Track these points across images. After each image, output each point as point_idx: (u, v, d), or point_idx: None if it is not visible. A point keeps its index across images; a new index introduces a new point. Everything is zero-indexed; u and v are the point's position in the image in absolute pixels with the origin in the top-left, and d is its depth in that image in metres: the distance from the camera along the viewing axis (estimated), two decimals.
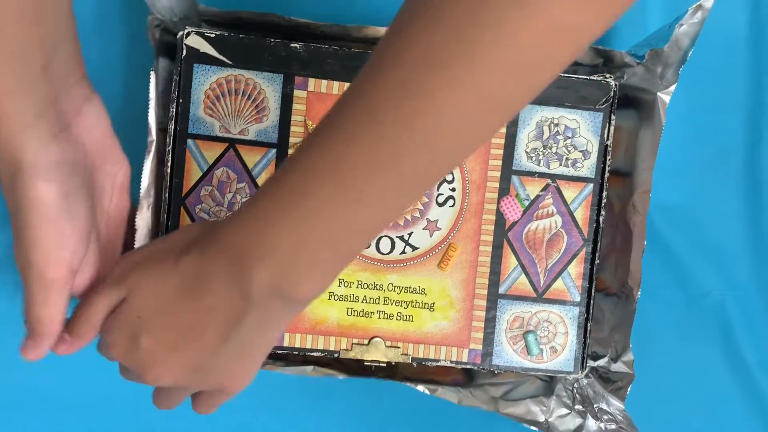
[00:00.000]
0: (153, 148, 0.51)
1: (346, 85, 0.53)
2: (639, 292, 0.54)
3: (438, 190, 0.55)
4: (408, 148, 0.35)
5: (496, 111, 0.35)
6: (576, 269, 0.56)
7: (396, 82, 0.34)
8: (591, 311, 0.56)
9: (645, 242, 0.54)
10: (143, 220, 0.52)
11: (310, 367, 0.54)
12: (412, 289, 0.55)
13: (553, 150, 0.55)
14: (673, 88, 0.53)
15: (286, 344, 0.54)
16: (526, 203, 0.55)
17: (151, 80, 0.51)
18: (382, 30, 0.53)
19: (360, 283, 0.55)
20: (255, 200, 0.38)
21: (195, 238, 0.41)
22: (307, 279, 0.38)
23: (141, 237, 0.52)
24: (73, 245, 0.42)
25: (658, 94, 0.54)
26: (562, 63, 0.35)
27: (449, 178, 0.55)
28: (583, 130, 0.55)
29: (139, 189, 0.51)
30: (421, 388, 0.55)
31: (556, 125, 0.55)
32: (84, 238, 0.43)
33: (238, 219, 0.39)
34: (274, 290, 0.38)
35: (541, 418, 0.56)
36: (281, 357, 0.56)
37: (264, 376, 0.57)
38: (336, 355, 0.54)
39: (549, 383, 0.58)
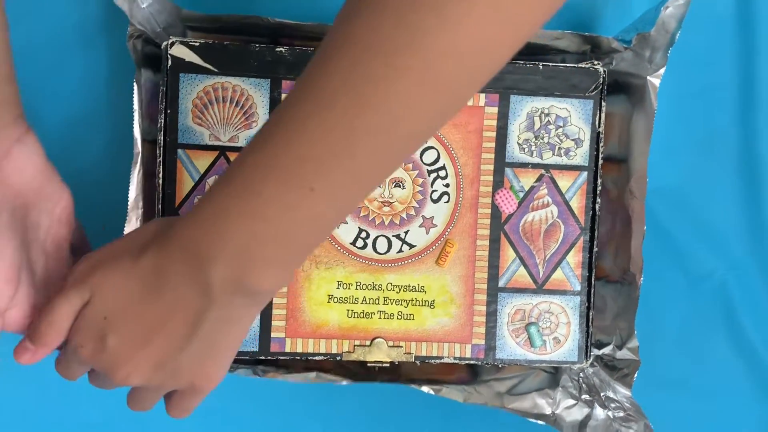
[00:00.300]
0: (139, 160, 0.51)
1: None
2: (642, 278, 0.54)
3: (432, 187, 0.54)
4: (361, 136, 0.35)
5: (446, 97, 0.35)
6: (575, 258, 0.56)
7: (345, 70, 0.34)
8: (592, 300, 0.56)
9: (645, 227, 0.54)
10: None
11: (312, 374, 0.54)
12: (411, 288, 0.55)
13: (545, 140, 0.55)
14: (662, 71, 0.53)
15: (287, 350, 0.54)
16: (521, 195, 0.55)
17: (134, 92, 0.51)
18: None
19: (359, 284, 0.54)
20: (209, 195, 0.38)
21: (153, 235, 0.41)
22: (264, 273, 0.38)
23: None
24: None
25: (648, 78, 0.53)
26: (509, 47, 0.35)
27: (443, 174, 0.54)
28: (574, 118, 0.55)
29: (127, 201, 0.51)
30: (425, 389, 0.54)
31: (547, 115, 0.55)
32: (11, 278, 0.43)
33: (193, 215, 0.38)
34: (234, 286, 0.38)
35: (548, 411, 0.56)
36: (283, 365, 0.55)
37: (267, 384, 0.57)
38: (338, 358, 0.54)
39: (554, 375, 0.57)
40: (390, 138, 0.35)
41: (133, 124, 0.51)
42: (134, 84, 0.51)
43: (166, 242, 0.39)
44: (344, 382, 0.54)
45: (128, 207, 0.51)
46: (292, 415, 0.59)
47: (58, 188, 0.47)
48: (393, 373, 0.56)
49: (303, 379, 0.54)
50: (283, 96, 0.53)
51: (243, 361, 0.54)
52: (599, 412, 0.56)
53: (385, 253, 0.55)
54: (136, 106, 0.51)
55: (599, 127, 0.55)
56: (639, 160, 0.54)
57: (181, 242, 0.39)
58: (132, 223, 0.52)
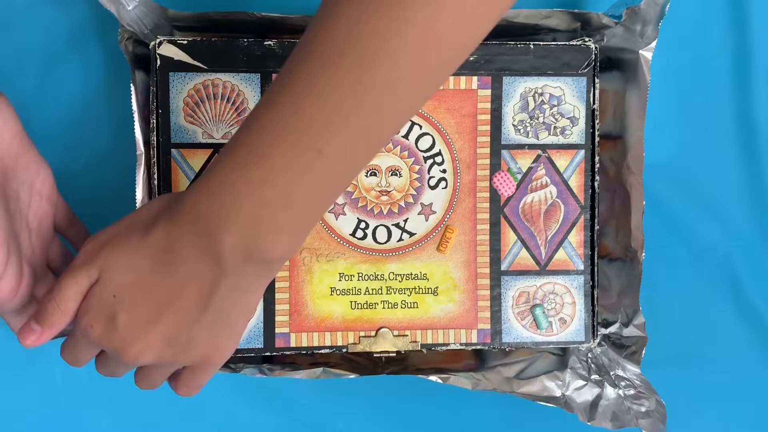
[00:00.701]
0: (143, 161, 0.51)
1: None
2: (644, 254, 0.53)
3: (429, 173, 0.54)
4: (368, 92, 0.34)
5: (451, 49, 0.35)
6: (576, 238, 0.55)
7: (350, 26, 0.34)
8: (596, 278, 0.55)
9: (644, 202, 0.53)
10: None
11: (319, 369, 0.54)
12: (413, 276, 0.54)
13: (540, 120, 0.54)
14: (654, 44, 0.53)
15: (293, 344, 0.54)
16: (519, 177, 0.55)
17: (131, 93, 0.51)
18: None
19: (360, 275, 0.54)
20: (216, 165, 0.38)
21: (160, 210, 0.40)
22: (276, 240, 0.37)
23: None
24: None
25: (640, 52, 0.53)
26: None
27: (439, 160, 0.54)
28: (568, 96, 0.54)
29: (135, 203, 0.51)
30: (433, 378, 0.54)
31: (541, 95, 0.54)
32: (2, 242, 0.42)
33: (200, 187, 0.38)
34: (246, 254, 0.38)
35: (558, 393, 0.55)
36: (289, 362, 0.55)
37: (275, 382, 0.57)
38: (344, 350, 0.54)
39: (562, 357, 0.57)
40: (396, 93, 0.35)
41: (131, 125, 0.51)
42: (131, 85, 0.51)
43: (175, 216, 0.39)
44: (351, 376, 0.54)
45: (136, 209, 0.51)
46: (300, 411, 0.58)
47: (37, 159, 0.47)
48: (400, 364, 0.56)
49: (310, 375, 0.54)
50: None
51: (248, 359, 0.54)
52: (610, 392, 0.55)
53: (385, 242, 0.54)
54: (134, 107, 0.51)
55: (594, 104, 0.55)
56: (635, 135, 0.54)
57: (191, 215, 0.38)
58: None
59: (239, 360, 0.54)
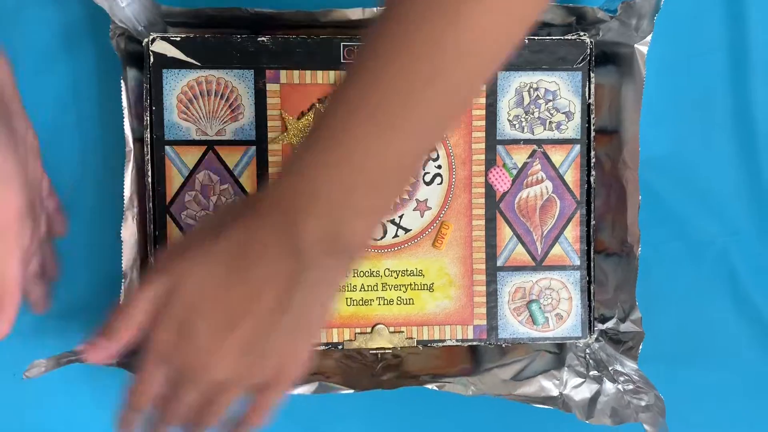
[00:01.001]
0: (131, 158, 0.51)
1: (319, 73, 0.53)
2: (640, 249, 0.53)
3: (424, 169, 0.54)
4: (442, 65, 0.35)
5: (518, 23, 0.36)
6: (572, 233, 0.55)
7: (424, 3, 0.35)
8: (593, 273, 0.55)
9: (640, 197, 0.53)
10: (129, 232, 0.51)
11: (315, 384, 0.52)
12: (409, 272, 0.54)
13: (536, 115, 0.54)
14: (649, 38, 0.53)
15: None
16: (515, 172, 0.55)
17: (122, 90, 0.51)
18: (348, 12, 0.52)
19: (356, 271, 0.54)
20: (292, 159, 0.38)
21: (229, 214, 0.40)
22: (357, 224, 0.38)
23: (128, 249, 0.51)
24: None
25: (636, 46, 0.53)
26: None
27: (434, 155, 0.54)
28: (563, 91, 0.54)
29: (123, 201, 0.51)
30: (429, 386, 0.53)
31: (536, 90, 0.54)
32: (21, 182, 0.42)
33: (280, 181, 0.38)
34: (326, 242, 0.37)
35: (555, 393, 0.55)
36: None
37: None
38: (340, 347, 0.54)
39: (558, 354, 0.57)
40: (475, 59, 0.36)
41: (122, 122, 0.51)
42: (121, 82, 0.51)
43: (248, 215, 0.39)
44: (348, 392, 0.52)
45: (124, 206, 0.51)
46: (297, 426, 0.58)
47: (24, 113, 0.45)
48: (396, 369, 0.55)
49: (305, 390, 0.53)
50: (268, 86, 0.52)
51: None
52: (609, 387, 0.55)
53: (380, 239, 0.54)
54: (124, 104, 0.51)
55: (589, 98, 0.55)
56: (630, 129, 0.54)
57: (270, 207, 0.38)
58: (128, 222, 0.51)
59: None
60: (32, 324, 0.55)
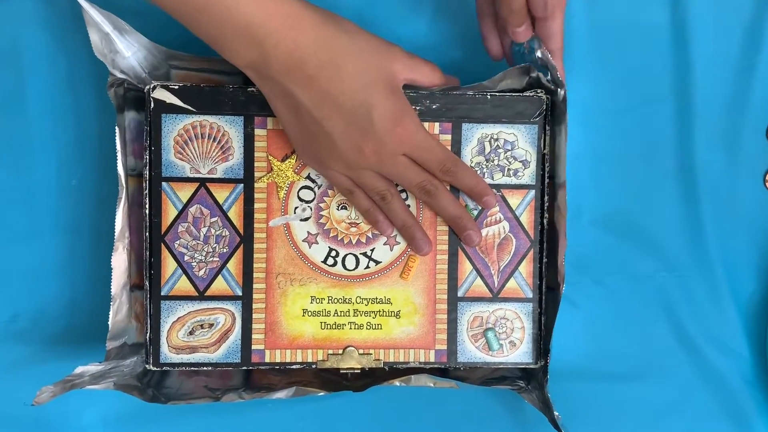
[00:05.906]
0: (123, 195, 0.57)
1: None
2: (564, 287, 0.58)
3: None
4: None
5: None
6: (526, 268, 0.61)
7: None
8: (543, 306, 0.61)
9: (567, 241, 0.58)
10: (119, 259, 0.57)
11: (293, 389, 0.59)
12: (378, 300, 0.60)
13: (496, 162, 0.60)
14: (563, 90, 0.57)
15: (267, 360, 0.59)
16: (476, 213, 0.60)
17: (116, 135, 0.57)
18: None
19: (330, 298, 0.60)
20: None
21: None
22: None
23: (117, 276, 0.57)
24: None
25: (559, 90, 0.57)
26: None
27: (403, 196, 0.60)
28: (521, 142, 0.60)
29: (114, 232, 0.57)
30: (396, 382, 0.59)
31: (496, 140, 0.60)
32: None
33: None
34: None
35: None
36: (266, 385, 0.61)
37: (253, 406, 0.63)
38: (314, 366, 0.60)
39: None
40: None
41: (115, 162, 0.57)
42: (116, 128, 0.57)
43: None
44: (321, 393, 0.59)
45: (115, 237, 0.57)
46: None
47: None
48: (365, 378, 0.61)
49: (284, 395, 0.59)
50: (256, 131, 0.58)
51: (229, 389, 0.60)
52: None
53: (353, 269, 0.60)
54: (118, 146, 0.56)
55: (544, 149, 0.60)
56: (561, 176, 0.58)
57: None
58: (119, 252, 0.57)
59: (218, 389, 0.60)
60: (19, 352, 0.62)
